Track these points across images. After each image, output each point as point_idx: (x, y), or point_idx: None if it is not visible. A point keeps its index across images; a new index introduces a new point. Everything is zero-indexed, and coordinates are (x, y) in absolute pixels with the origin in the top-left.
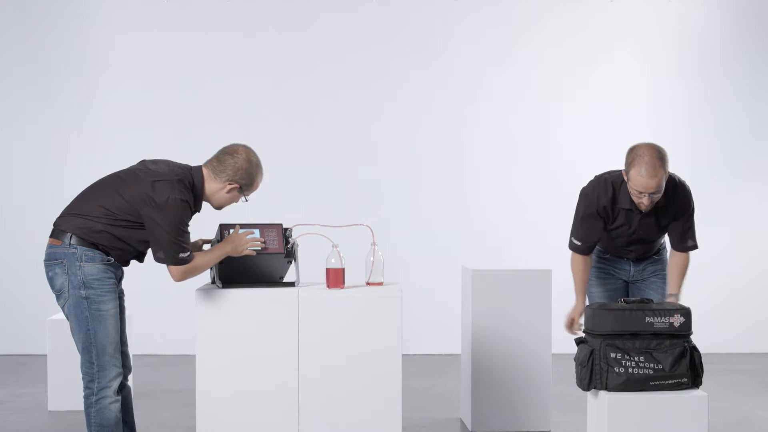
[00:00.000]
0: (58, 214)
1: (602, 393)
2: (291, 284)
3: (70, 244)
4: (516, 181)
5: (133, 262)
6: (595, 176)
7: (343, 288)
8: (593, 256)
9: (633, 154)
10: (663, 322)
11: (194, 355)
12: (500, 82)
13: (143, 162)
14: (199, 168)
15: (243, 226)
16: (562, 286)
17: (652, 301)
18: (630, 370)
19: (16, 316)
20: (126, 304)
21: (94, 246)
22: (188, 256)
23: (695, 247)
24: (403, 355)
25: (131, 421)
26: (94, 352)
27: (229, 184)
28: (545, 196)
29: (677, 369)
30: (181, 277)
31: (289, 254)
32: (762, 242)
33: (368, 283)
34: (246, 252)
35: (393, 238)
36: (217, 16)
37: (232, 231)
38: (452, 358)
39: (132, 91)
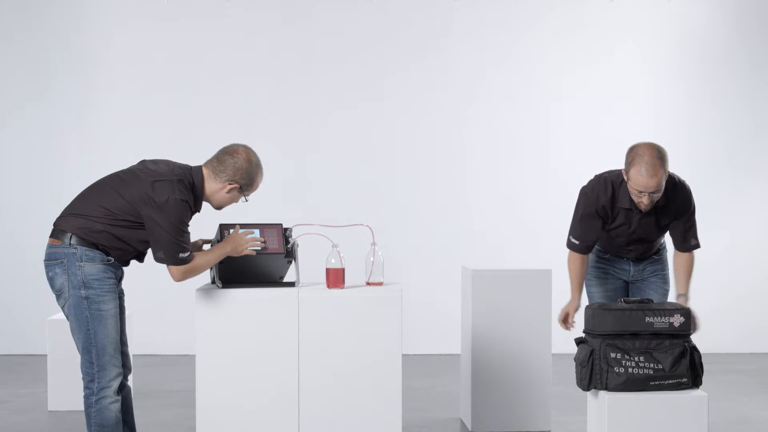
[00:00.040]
0: (58, 214)
1: (602, 393)
2: (291, 284)
3: (70, 244)
4: (516, 181)
5: (133, 262)
6: (595, 176)
7: (343, 288)
8: (593, 256)
9: (633, 153)
10: (663, 322)
11: (194, 355)
12: (500, 82)
13: (143, 162)
14: (199, 168)
15: (243, 226)
16: (562, 286)
17: (651, 301)
18: (630, 370)
19: (16, 316)
20: (126, 304)
21: (94, 246)
22: (188, 256)
23: (698, 246)
24: (403, 355)
25: (131, 421)
26: (94, 352)
27: (229, 184)
28: (545, 196)
29: (677, 369)
30: (181, 277)
31: (289, 254)
32: (762, 242)
33: (368, 283)
34: (246, 252)
35: (393, 238)
36: (217, 16)
37: (232, 231)
38: (452, 358)
39: (132, 91)
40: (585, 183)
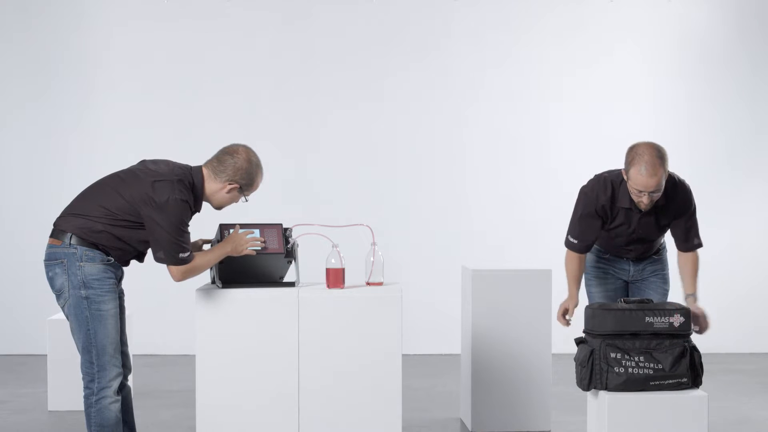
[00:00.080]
0: (58, 214)
1: (602, 393)
2: (291, 284)
3: (70, 244)
4: (516, 181)
5: (133, 262)
6: (595, 175)
7: (343, 288)
8: (592, 256)
9: (633, 153)
10: (663, 322)
11: (194, 355)
12: (500, 82)
13: (143, 162)
14: (199, 168)
15: (243, 226)
16: (562, 286)
17: (651, 301)
18: (630, 370)
19: (16, 316)
20: (126, 304)
21: (94, 246)
22: (188, 256)
23: (700, 245)
24: (403, 355)
25: (131, 421)
26: (94, 352)
27: (229, 184)
28: (545, 196)
29: (677, 369)
30: (181, 277)
31: (289, 254)
32: (762, 242)
33: (368, 283)
34: (246, 252)
35: (393, 238)
36: (217, 16)
37: (232, 231)
38: (452, 358)
39: (132, 91)
40: (585, 183)
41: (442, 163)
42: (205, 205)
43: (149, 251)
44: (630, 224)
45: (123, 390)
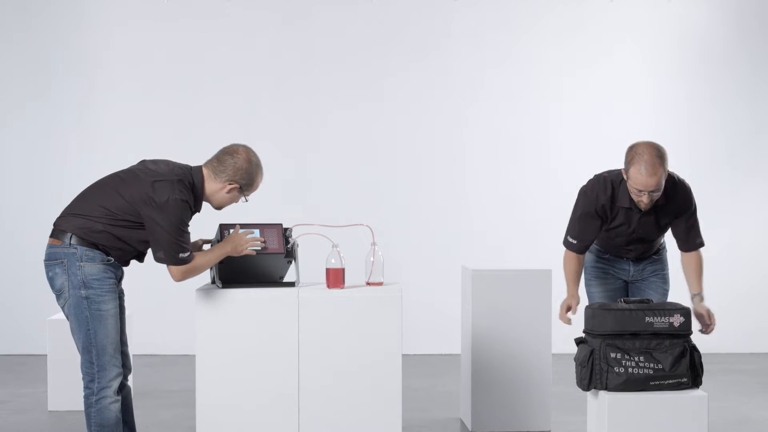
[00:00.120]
0: (58, 214)
1: (602, 393)
2: (291, 284)
3: (70, 244)
4: (516, 181)
5: (133, 262)
6: (594, 175)
7: (343, 288)
8: (592, 255)
9: (632, 152)
10: (663, 322)
11: (194, 355)
12: (500, 82)
13: (143, 162)
14: (199, 168)
15: (243, 226)
16: (562, 286)
17: (651, 301)
18: (630, 370)
19: (16, 316)
20: (126, 304)
21: (94, 246)
22: (188, 256)
23: (702, 244)
24: (403, 355)
25: (131, 421)
26: (94, 352)
27: (229, 184)
28: (545, 196)
29: (677, 369)
30: (181, 277)
31: (289, 254)
32: (762, 242)
33: (368, 283)
34: (246, 252)
35: (393, 238)
36: (217, 16)
37: (232, 231)
38: (452, 358)
39: (132, 91)
40: (585, 183)
41: (442, 163)
42: (205, 205)
43: (149, 251)
44: (630, 224)
45: (123, 390)
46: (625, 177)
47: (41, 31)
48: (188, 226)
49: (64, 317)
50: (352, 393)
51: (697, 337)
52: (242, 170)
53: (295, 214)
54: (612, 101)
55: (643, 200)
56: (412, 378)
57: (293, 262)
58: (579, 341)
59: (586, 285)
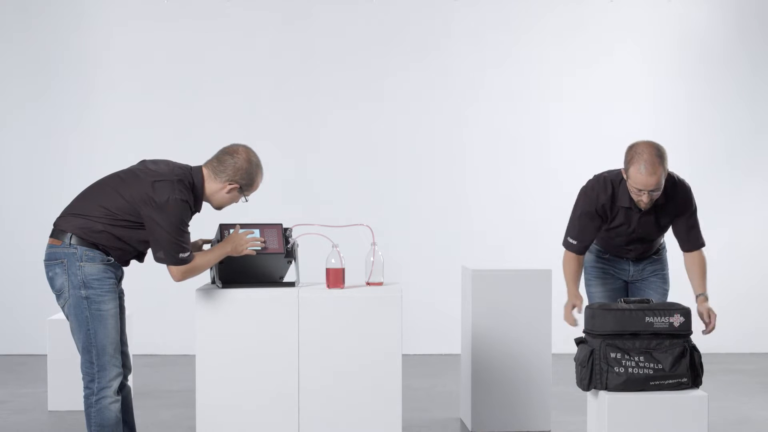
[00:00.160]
0: (58, 214)
1: (602, 393)
2: (291, 284)
3: (70, 244)
4: (516, 181)
5: (133, 262)
6: (594, 175)
7: (343, 288)
8: (592, 256)
9: (632, 151)
10: (663, 322)
11: (194, 355)
12: (500, 82)
13: (143, 162)
14: (199, 168)
15: (243, 226)
16: (563, 286)
17: (651, 301)
18: (630, 370)
19: (16, 316)
20: (126, 304)
21: (94, 246)
22: (188, 256)
23: (703, 244)
24: (403, 355)
25: (131, 421)
26: (94, 352)
27: (229, 184)
28: (545, 196)
29: (677, 369)
30: (181, 277)
31: (289, 254)
32: (762, 242)
33: (368, 283)
34: (246, 252)
35: (393, 238)
36: (217, 16)
37: (232, 231)
38: (452, 358)
39: (132, 91)
40: (584, 183)
41: (442, 163)
42: (205, 205)
43: (149, 251)
44: (630, 224)
45: (123, 390)
46: (624, 176)
47: (41, 31)
48: (188, 226)
49: (64, 317)
50: (352, 393)
51: (697, 337)
52: (242, 170)
53: (295, 214)
54: (612, 101)
55: (643, 199)
56: (412, 378)
57: (293, 262)
58: (579, 341)
59: (586, 285)
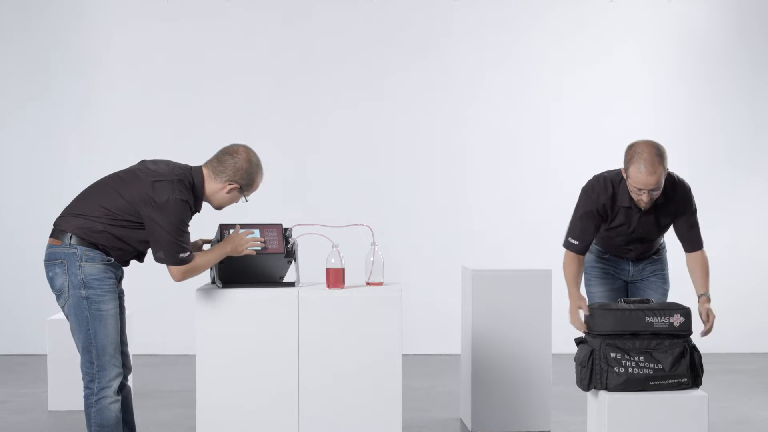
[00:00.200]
0: (58, 214)
1: (602, 393)
2: (291, 284)
3: (70, 244)
4: (516, 181)
5: (133, 262)
6: (594, 176)
7: (343, 288)
8: (593, 256)
9: (632, 151)
10: (663, 322)
11: (194, 355)
12: (500, 82)
13: (143, 162)
14: (199, 168)
15: (243, 226)
16: (562, 286)
17: (651, 300)
18: (630, 370)
19: (16, 316)
20: (126, 304)
21: (94, 246)
22: (188, 256)
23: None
24: (403, 355)
25: (131, 421)
26: (94, 352)
27: (229, 184)
28: (545, 196)
29: (677, 369)
30: (181, 277)
31: (289, 254)
32: (762, 242)
33: (368, 283)
34: (246, 252)
35: (393, 238)
36: (217, 16)
37: (232, 231)
38: (452, 358)
39: (132, 91)
40: (584, 183)
41: (442, 163)
42: (205, 205)
43: (149, 251)
44: (630, 224)
45: (123, 390)
46: (624, 176)
47: (41, 31)
48: (188, 226)
49: (64, 317)
50: (352, 393)
51: (697, 337)
52: (242, 170)
53: (295, 214)
54: (612, 101)
55: (643, 199)
56: (412, 378)
57: (293, 262)
58: (579, 341)
59: (586, 285)
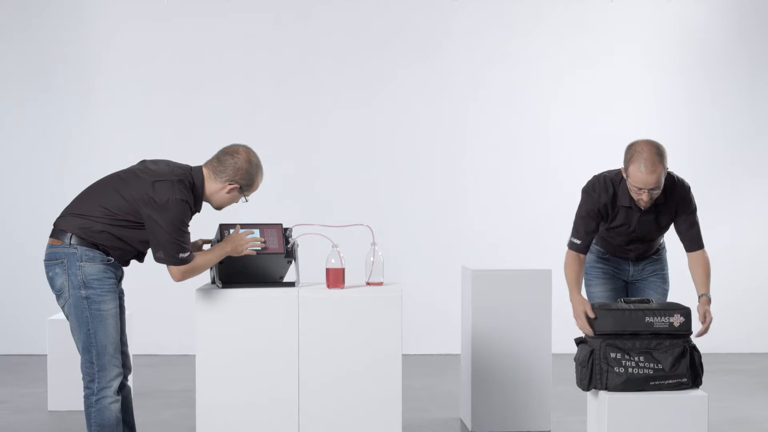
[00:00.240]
0: (58, 214)
1: (602, 393)
2: (291, 284)
3: (70, 244)
4: (516, 181)
5: (133, 262)
6: (594, 176)
7: (343, 288)
8: (593, 256)
9: (631, 150)
10: (663, 322)
11: (194, 355)
12: (500, 82)
13: (143, 162)
14: (199, 168)
15: (243, 226)
16: (562, 286)
17: (651, 300)
18: (630, 370)
19: (16, 316)
20: (126, 304)
21: (94, 246)
22: (188, 256)
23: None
24: (403, 355)
25: (131, 421)
26: (95, 352)
27: (229, 184)
28: (545, 196)
29: (677, 369)
30: (181, 277)
31: (289, 254)
32: (762, 242)
33: (368, 283)
34: (246, 252)
35: (393, 238)
36: (217, 16)
37: (232, 231)
38: (452, 358)
39: (132, 91)
40: (585, 183)
41: (442, 163)
42: (205, 205)
43: (149, 251)
44: (630, 223)
45: (123, 390)
46: (624, 175)
47: (41, 31)
48: (188, 226)
49: (64, 317)
50: (352, 393)
51: (695, 337)
52: (242, 170)
53: (294, 214)
54: (612, 101)
55: (643, 198)
56: (412, 378)
57: (293, 262)
58: (579, 341)
59: (587, 285)
